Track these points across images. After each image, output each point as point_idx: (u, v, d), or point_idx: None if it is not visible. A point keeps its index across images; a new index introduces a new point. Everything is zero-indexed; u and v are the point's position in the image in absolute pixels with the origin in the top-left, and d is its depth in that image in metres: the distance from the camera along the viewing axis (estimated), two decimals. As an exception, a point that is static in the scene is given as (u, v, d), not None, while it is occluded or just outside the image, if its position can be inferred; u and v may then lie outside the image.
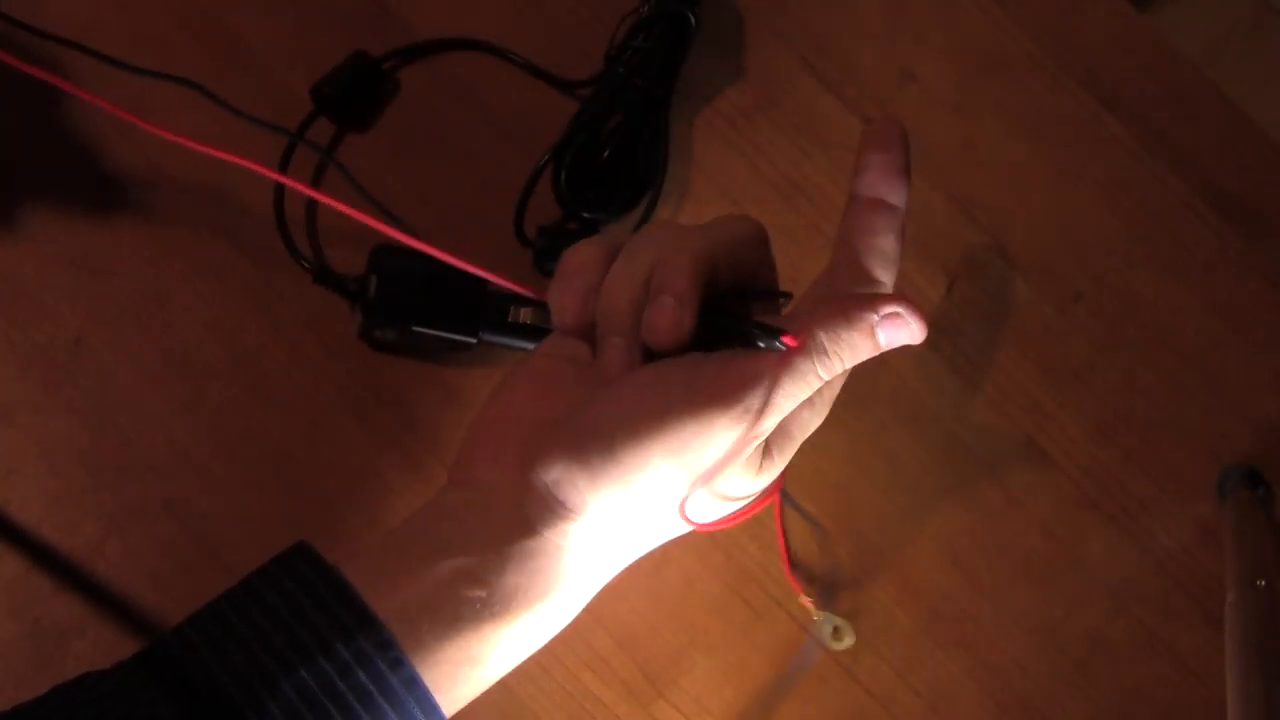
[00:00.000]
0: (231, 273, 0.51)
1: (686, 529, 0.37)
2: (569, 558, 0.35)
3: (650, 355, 0.35)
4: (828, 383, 0.35)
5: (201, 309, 0.51)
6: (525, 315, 0.50)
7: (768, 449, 0.36)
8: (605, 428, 0.34)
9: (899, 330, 0.34)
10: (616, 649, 0.51)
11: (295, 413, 0.51)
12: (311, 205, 0.53)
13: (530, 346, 0.51)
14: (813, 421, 0.37)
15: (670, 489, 0.34)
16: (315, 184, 0.53)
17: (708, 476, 0.34)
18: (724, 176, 0.56)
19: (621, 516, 0.35)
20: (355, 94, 0.53)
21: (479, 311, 0.50)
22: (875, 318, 0.34)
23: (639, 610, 0.51)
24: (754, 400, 0.33)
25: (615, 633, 0.51)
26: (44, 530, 0.48)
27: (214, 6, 0.54)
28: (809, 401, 0.35)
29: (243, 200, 0.52)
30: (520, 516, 0.35)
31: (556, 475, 0.34)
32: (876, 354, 0.35)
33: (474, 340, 0.50)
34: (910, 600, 0.52)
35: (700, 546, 0.52)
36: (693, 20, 0.53)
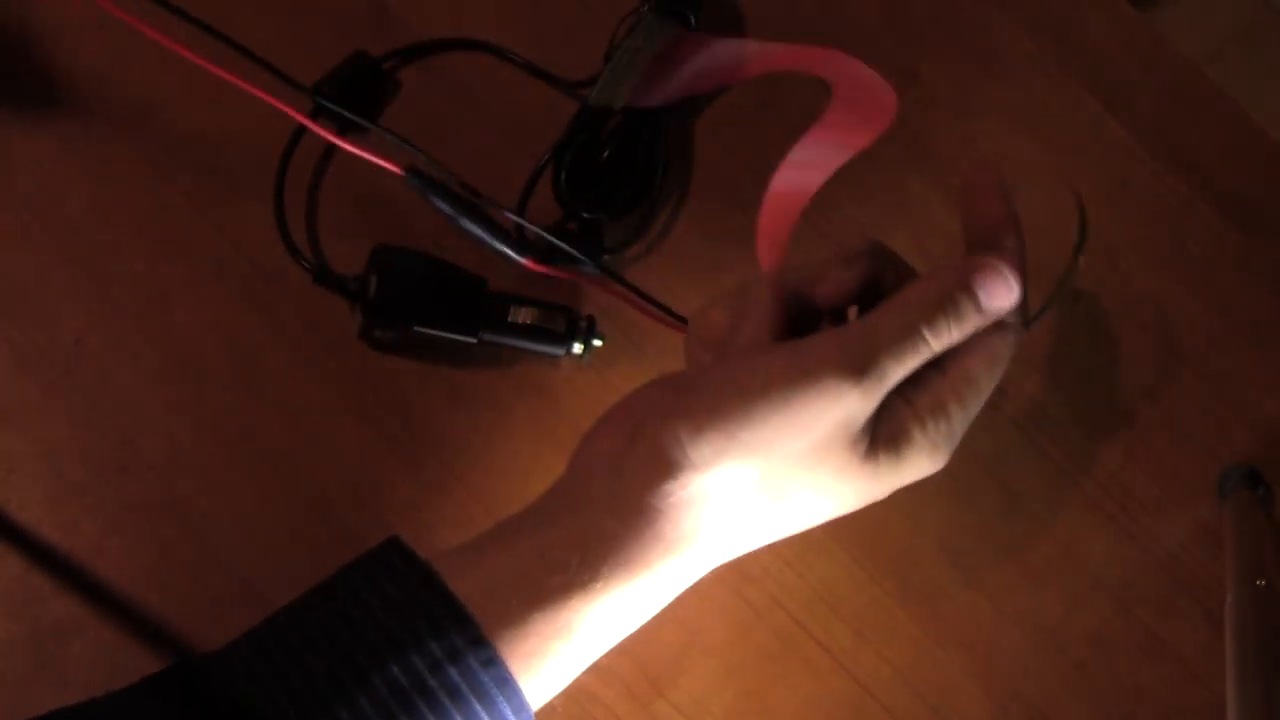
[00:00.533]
0: (231, 273, 0.51)
1: (810, 525, 0.37)
2: (668, 525, 0.34)
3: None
4: (949, 419, 0.36)
5: (201, 309, 0.51)
6: (525, 315, 0.50)
7: (874, 448, 0.35)
8: (711, 385, 0.35)
9: (994, 282, 0.35)
10: (616, 649, 0.51)
11: (295, 413, 0.51)
12: (312, 205, 0.53)
13: (530, 346, 0.51)
14: (924, 447, 0.36)
15: (781, 458, 0.34)
16: (318, 179, 0.53)
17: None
18: (724, 176, 0.56)
19: (727, 481, 0.34)
20: (355, 94, 0.53)
21: (479, 311, 0.50)
22: (969, 272, 0.35)
23: (639, 610, 0.51)
24: (861, 357, 0.34)
25: (615, 633, 0.51)
26: (44, 530, 0.48)
27: (213, 6, 0.54)
28: (920, 420, 0.36)
29: (243, 201, 0.52)
30: (616, 483, 0.34)
31: (657, 430, 0.34)
32: (983, 318, 0.35)
33: (474, 340, 0.50)
34: (910, 600, 0.52)
35: (700, 546, 0.52)
36: (693, 20, 0.53)
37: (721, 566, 0.52)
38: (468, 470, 0.51)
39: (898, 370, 0.34)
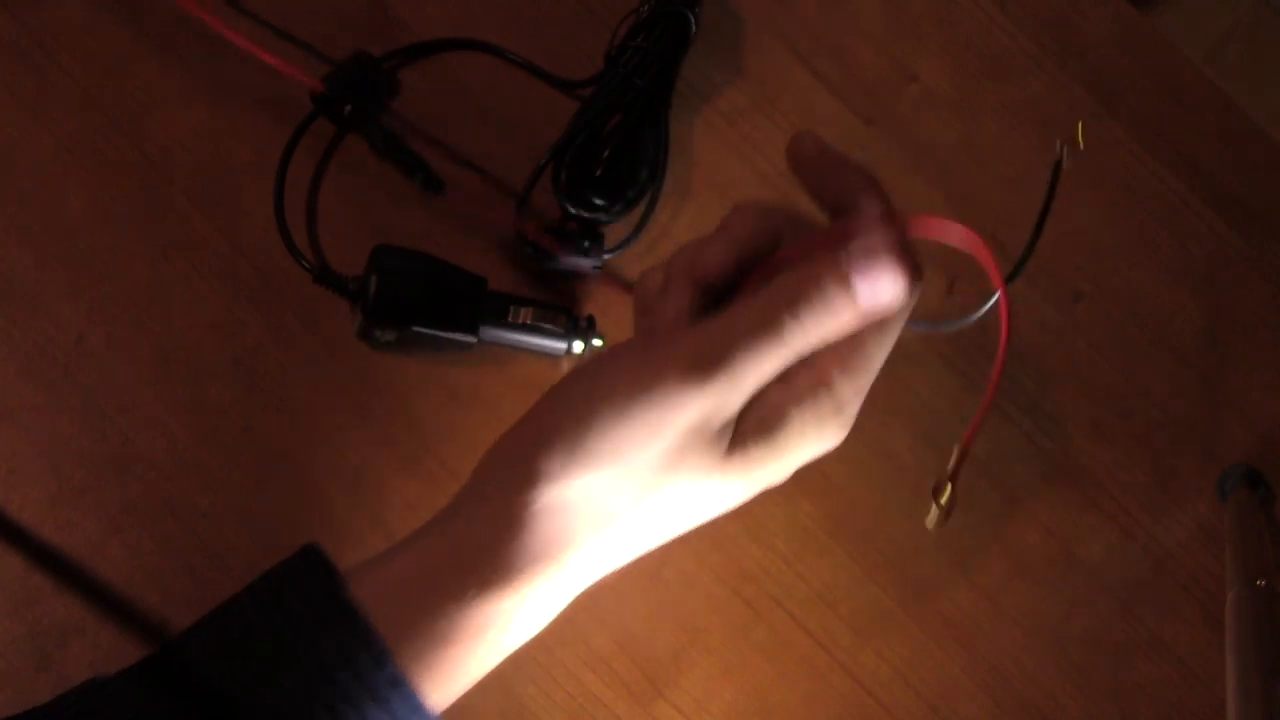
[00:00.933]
0: (231, 273, 0.51)
1: (690, 526, 0.35)
2: (532, 537, 0.33)
3: None
4: (832, 392, 0.33)
5: (201, 309, 0.51)
6: (525, 315, 0.50)
7: (742, 439, 0.33)
8: (566, 393, 0.34)
9: (876, 276, 0.31)
10: (616, 649, 0.51)
11: (295, 413, 0.51)
12: (312, 205, 0.53)
13: (530, 346, 0.51)
14: (807, 426, 0.33)
15: (634, 465, 0.32)
16: (318, 179, 0.53)
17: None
18: (724, 176, 0.56)
19: (585, 490, 0.33)
20: (355, 94, 0.53)
21: (479, 311, 0.50)
22: (844, 254, 0.31)
23: (639, 610, 0.51)
24: (708, 360, 0.31)
25: (615, 633, 0.51)
26: (44, 530, 0.48)
27: (213, 6, 0.54)
28: (798, 400, 0.33)
29: (243, 200, 0.52)
30: (490, 494, 0.34)
31: (521, 441, 0.34)
32: (859, 319, 0.32)
33: (474, 340, 0.50)
34: (910, 600, 0.52)
35: (700, 546, 0.52)
36: (693, 20, 0.53)
37: (722, 566, 0.52)
38: (467, 470, 0.51)
39: (755, 369, 0.32)
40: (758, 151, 0.56)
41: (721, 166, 0.56)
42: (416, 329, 0.49)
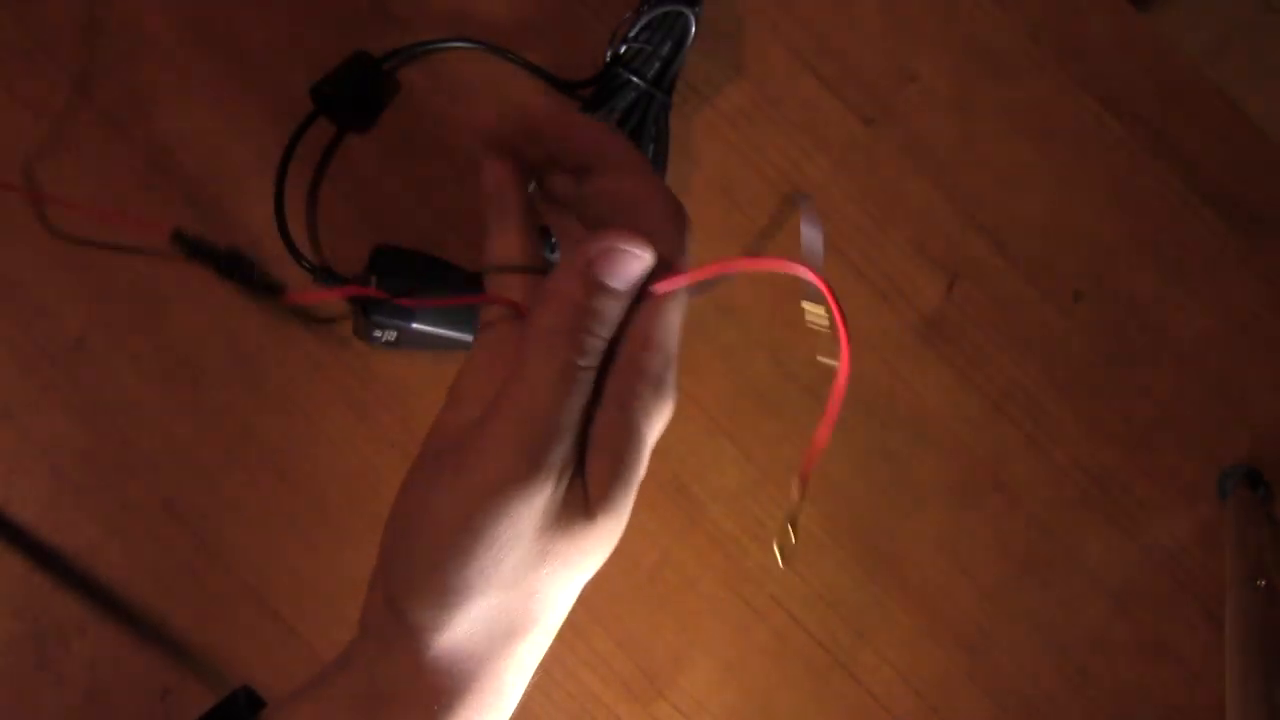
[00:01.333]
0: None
1: (579, 589, 0.33)
2: (441, 682, 0.31)
3: None
4: (646, 373, 0.31)
5: (201, 309, 0.51)
6: (525, 315, 0.50)
7: (594, 500, 0.31)
8: (411, 537, 0.32)
9: (615, 261, 0.31)
10: (616, 649, 0.51)
11: (295, 413, 0.51)
12: (312, 206, 0.53)
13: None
14: (643, 420, 0.31)
15: (509, 578, 0.31)
16: (318, 179, 0.53)
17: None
18: (724, 176, 0.56)
19: (475, 627, 0.31)
20: (355, 94, 0.53)
21: (479, 311, 0.50)
22: (586, 263, 0.31)
23: (639, 610, 0.51)
24: (531, 448, 0.30)
25: (615, 633, 0.51)
26: (44, 530, 0.48)
27: (213, 6, 0.54)
28: (620, 402, 0.31)
29: (243, 200, 0.52)
30: (387, 648, 0.32)
31: (393, 597, 0.32)
32: (626, 297, 0.31)
33: (474, 339, 0.50)
34: (910, 600, 0.52)
35: (700, 546, 0.52)
36: (693, 20, 0.53)
37: (722, 566, 0.52)
38: (468, 470, 0.51)
39: (570, 419, 0.30)
40: (758, 152, 0.56)
41: (721, 166, 0.56)
42: (416, 328, 0.49)
